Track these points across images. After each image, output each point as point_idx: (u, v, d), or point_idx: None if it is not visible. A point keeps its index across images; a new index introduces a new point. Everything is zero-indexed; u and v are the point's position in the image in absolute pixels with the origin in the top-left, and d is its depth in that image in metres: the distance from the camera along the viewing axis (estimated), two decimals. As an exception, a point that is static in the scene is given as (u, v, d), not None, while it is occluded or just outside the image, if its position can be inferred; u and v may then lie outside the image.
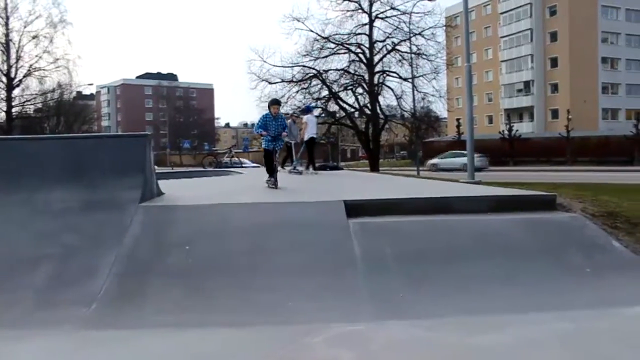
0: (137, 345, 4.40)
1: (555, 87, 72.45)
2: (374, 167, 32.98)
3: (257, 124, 9.91)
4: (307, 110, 16.41)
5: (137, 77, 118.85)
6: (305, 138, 15.12)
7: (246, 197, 8.11)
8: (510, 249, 6.13)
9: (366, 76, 33.62)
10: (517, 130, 55.96)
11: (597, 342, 4.30)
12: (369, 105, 33.75)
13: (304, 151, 15.81)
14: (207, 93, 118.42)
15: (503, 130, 56.53)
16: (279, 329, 4.64)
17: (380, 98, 34.40)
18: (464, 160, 40.22)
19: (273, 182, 9.39)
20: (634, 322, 4.81)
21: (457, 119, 54.20)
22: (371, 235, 6.26)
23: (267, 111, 9.82)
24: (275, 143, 9.78)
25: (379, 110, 34.03)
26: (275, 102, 10.13)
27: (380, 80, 34.05)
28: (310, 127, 15.10)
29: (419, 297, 5.24)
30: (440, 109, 42.60)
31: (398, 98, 33.94)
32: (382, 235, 6.29)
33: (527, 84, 74.70)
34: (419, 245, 6.13)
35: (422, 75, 33.16)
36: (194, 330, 4.64)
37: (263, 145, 9.98)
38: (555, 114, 70.19)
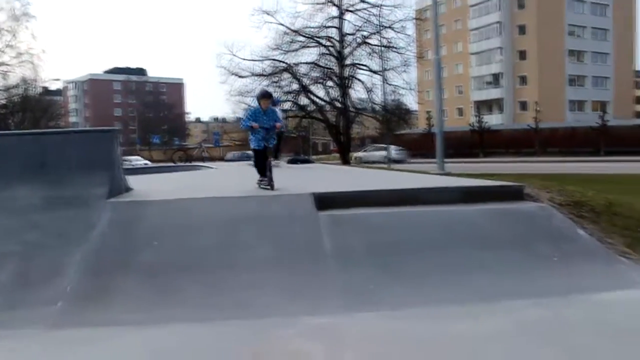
0: (105, 344, 4.33)
1: (523, 80, 73.53)
2: (345, 160, 33.04)
3: (245, 118, 8.32)
4: (273, 103, 16.19)
5: (105, 72, 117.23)
6: None
7: (216, 192, 8.04)
8: (481, 239, 6.21)
9: (336, 69, 33.61)
10: (486, 122, 56.61)
11: (566, 329, 4.37)
12: (339, 98, 33.76)
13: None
14: (177, 88, 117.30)
15: (473, 123, 57.10)
16: (250, 323, 4.62)
17: (351, 91, 34.43)
18: (384, 153, 41.26)
19: (267, 182, 7.90)
20: (599, 309, 4.89)
21: (428, 112, 54.64)
22: (341, 227, 6.26)
23: (257, 104, 8.37)
24: (266, 141, 8.22)
25: (349, 103, 34.07)
26: (265, 96, 8.40)
27: (351, 73, 34.06)
28: None
29: (391, 289, 5.26)
30: (410, 101, 42.84)
31: (369, 91, 34.01)
32: (353, 227, 6.30)
33: (496, 77, 75.68)
34: (390, 237, 6.16)
35: (392, 69, 33.30)
36: (164, 327, 4.58)
37: (252, 145, 8.40)
38: (523, 105, 71.22)
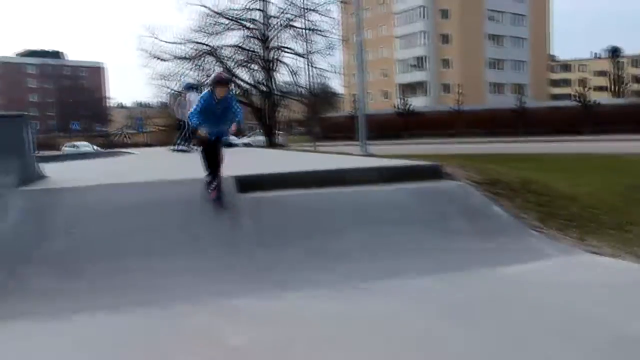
0: (19, 336, 4.14)
1: (446, 63, 75.15)
2: (271, 144, 32.90)
3: (195, 108, 6.47)
4: (189, 88, 15.37)
5: (18, 55, 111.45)
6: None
7: (134, 177, 7.83)
8: (401, 217, 6.35)
9: (261, 52, 33.25)
10: (411, 105, 57.52)
11: (477, 302, 4.48)
12: (264, 81, 33.47)
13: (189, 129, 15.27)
14: (96, 72, 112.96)
15: (397, 105, 57.93)
16: (164, 308, 4.53)
17: (277, 74, 34.19)
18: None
19: (214, 188, 6.46)
20: (510, 281, 5.05)
21: (354, 95, 54.90)
22: (263, 209, 6.25)
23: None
24: (218, 129, 6.53)
25: (274, 87, 33.83)
26: (220, 81, 6.47)
27: (276, 57, 33.79)
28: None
29: (309, 271, 5.27)
30: (336, 85, 43.16)
31: (294, 74, 33.85)
32: (275, 209, 6.29)
33: (420, 60, 76.91)
34: (312, 218, 6.21)
35: (317, 52, 33.26)
36: (74, 316, 4.44)
37: (202, 131, 6.48)
38: (447, 88, 72.78)
